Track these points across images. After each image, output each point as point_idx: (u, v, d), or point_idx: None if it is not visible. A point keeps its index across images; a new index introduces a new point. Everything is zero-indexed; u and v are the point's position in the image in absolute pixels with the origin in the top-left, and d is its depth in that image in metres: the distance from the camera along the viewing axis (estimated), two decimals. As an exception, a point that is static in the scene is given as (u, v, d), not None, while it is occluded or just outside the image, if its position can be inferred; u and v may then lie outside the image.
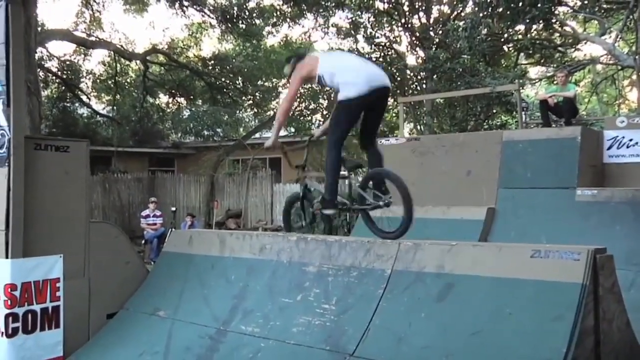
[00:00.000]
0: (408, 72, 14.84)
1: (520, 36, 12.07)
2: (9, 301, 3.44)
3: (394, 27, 14.69)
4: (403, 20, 14.17)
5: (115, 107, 18.08)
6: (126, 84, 18.59)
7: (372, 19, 14.23)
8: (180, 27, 23.26)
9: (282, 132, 18.87)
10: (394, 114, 14.57)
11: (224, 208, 14.87)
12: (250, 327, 3.45)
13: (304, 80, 3.83)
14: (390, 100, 15.87)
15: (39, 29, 13.20)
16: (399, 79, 15.38)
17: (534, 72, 15.10)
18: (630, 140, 6.68)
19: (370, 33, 14.39)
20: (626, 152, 6.69)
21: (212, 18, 16.53)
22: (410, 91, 14.64)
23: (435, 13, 14.48)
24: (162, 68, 18.46)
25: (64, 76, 17.17)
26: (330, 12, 14.87)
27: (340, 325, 3.19)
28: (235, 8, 16.00)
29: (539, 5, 9.03)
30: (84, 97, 18.08)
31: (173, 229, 5.43)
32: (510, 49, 13.62)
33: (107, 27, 18.17)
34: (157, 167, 18.00)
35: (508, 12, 9.64)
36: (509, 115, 13.16)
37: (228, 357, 3.34)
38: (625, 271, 4.04)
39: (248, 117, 19.30)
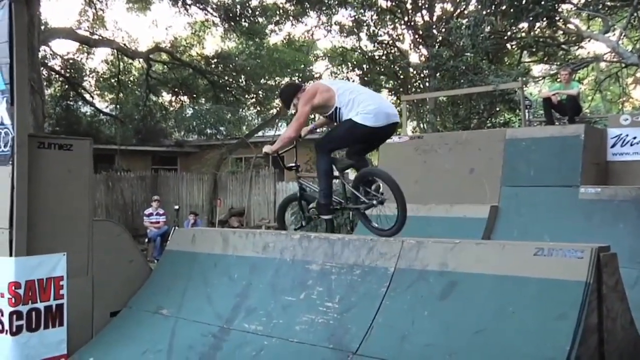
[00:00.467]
0: (411, 70, 14.82)
1: (523, 34, 12.01)
2: (13, 299, 3.45)
3: (397, 25, 14.66)
4: (406, 18, 14.14)
5: (118, 106, 18.09)
6: (129, 82, 18.58)
7: (375, 16, 14.21)
8: (183, 26, 23.29)
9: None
10: (396, 112, 14.49)
11: (226, 206, 14.88)
12: (253, 325, 3.45)
13: (314, 110, 3.81)
14: (393, 98, 15.89)
15: (42, 27, 13.22)
16: (401, 77, 15.35)
17: (537, 69, 15.05)
18: (634, 138, 6.65)
19: (373, 31, 14.38)
20: (630, 150, 6.66)
21: (215, 16, 16.52)
22: (413, 89, 14.62)
23: (438, 11, 14.44)
24: (165, 66, 18.44)
25: (67, 75, 17.20)
26: (333, 10, 14.85)
27: (343, 323, 3.19)
28: (238, 6, 15.98)
29: (543, 2, 8.98)
30: (87, 96, 18.12)
31: (176, 227, 5.44)
32: (514, 46, 13.57)
33: (110, 26, 18.30)
34: (160, 165, 18.01)
35: (511, 10, 9.58)
36: (512, 113, 13.10)
37: (231, 355, 3.35)
38: (629, 269, 4.01)
39: (251, 115, 19.28)
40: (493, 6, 9.80)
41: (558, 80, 8.96)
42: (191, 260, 4.15)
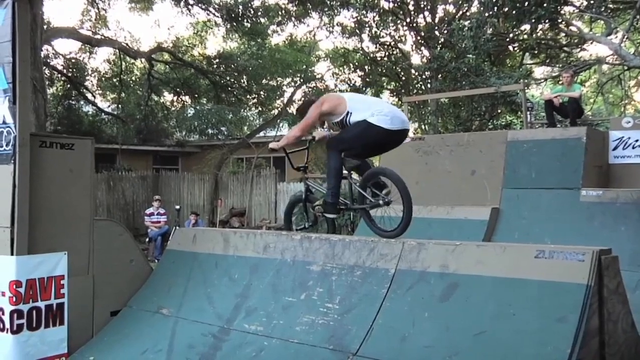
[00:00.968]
0: (413, 71, 14.78)
1: (525, 36, 11.99)
2: (14, 298, 3.45)
3: (399, 26, 14.63)
4: (408, 20, 14.11)
5: (120, 105, 18.13)
6: (131, 82, 18.61)
7: (377, 18, 14.16)
8: (185, 26, 23.27)
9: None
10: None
11: (227, 206, 14.89)
12: (253, 326, 3.45)
13: (322, 116, 3.84)
14: (395, 99, 15.88)
15: (45, 26, 13.23)
16: (403, 78, 15.33)
17: (539, 72, 15.00)
18: (636, 141, 6.64)
19: (375, 32, 14.35)
20: (632, 153, 6.65)
21: (217, 16, 16.52)
22: (415, 90, 14.59)
23: (440, 12, 14.40)
24: (167, 66, 18.45)
25: (70, 74, 17.22)
26: (336, 11, 14.82)
27: (343, 324, 3.19)
28: (240, 7, 15.98)
29: (545, 4, 8.95)
30: (89, 95, 18.14)
31: (177, 227, 5.44)
32: (516, 48, 13.53)
33: (112, 25, 18.24)
34: (162, 165, 18.02)
35: (514, 12, 9.55)
36: (513, 115, 13.07)
37: (231, 355, 3.34)
38: (630, 272, 4.00)
39: (252, 115, 19.25)
40: (495, 8, 9.78)
41: (560, 82, 8.94)
42: (192, 260, 4.15)
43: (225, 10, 15.90)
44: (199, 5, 16.09)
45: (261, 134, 17.49)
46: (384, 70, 15.77)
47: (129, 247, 4.23)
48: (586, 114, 11.03)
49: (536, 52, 12.88)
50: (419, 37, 14.13)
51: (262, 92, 18.33)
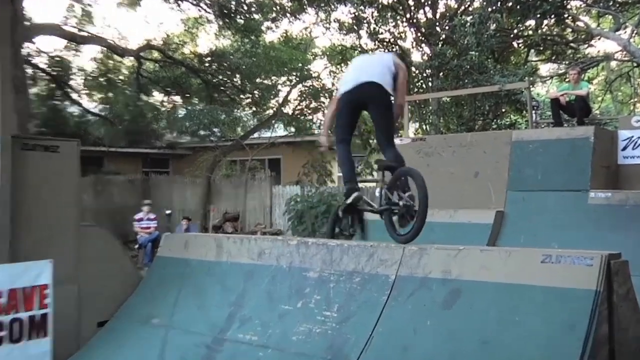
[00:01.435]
0: (413, 69, 14.62)
1: (530, 32, 11.84)
2: (-6, 309, 3.32)
3: (399, 22, 14.43)
4: (408, 15, 13.94)
5: (107, 106, 17.87)
6: (119, 81, 18.36)
7: (375, 13, 13.97)
8: (176, 22, 23.10)
9: (283, 132, 18.35)
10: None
11: (221, 211, 14.74)
12: (248, 336, 3.38)
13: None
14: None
15: (27, 23, 12.96)
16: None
17: (544, 69, 14.90)
18: (646, 140, 6.54)
19: (374, 29, 14.16)
20: None
21: (209, 12, 16.31)
22: (416, 89, 14.43)
23: (441, 8, 14.20)
24: (157, 65, 18.20)
25: (54, 73, 16.90)
26: (332, 6, 14.61)
27: (342, 333, 3.13)
28: (233, 2, 15.80)
29: (550, -1, 8.79)
30: (74, 95, 17.83)
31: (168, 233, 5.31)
32: (520, 45, 13.38)
33: (98, 22, 17.93)
34: (151, 168, 17.82)
35: (518, 7, 9.43)
36: (518, 114, 12.96)
37: (225, 366, 3.25)
38: (642, 278, 3.94)
39: (246, 116, 19.10)
40: (499, 3, 9.66)
41: (567, 80, 8.89)
42: (183, 267, 4.08)
43: (217, 6, 15.69)
44: (190, 0, 15.89)
45: (255, 135, 17.35)
46: (383, 69, 15.63)
47: (117, 254, 4.19)
48: (594, 112, 10.94)
49: (542, 48, 12.74)
50: (419, 34, 13.97)
51: (256, 92, 18.16)
